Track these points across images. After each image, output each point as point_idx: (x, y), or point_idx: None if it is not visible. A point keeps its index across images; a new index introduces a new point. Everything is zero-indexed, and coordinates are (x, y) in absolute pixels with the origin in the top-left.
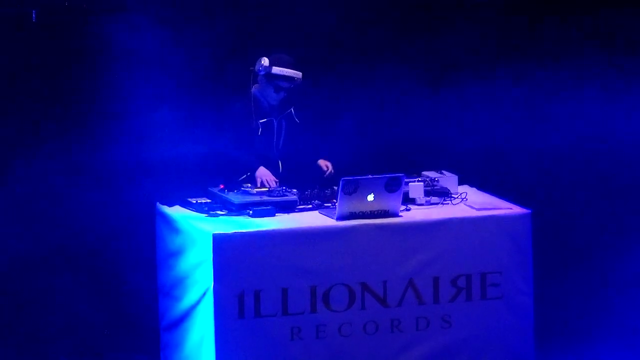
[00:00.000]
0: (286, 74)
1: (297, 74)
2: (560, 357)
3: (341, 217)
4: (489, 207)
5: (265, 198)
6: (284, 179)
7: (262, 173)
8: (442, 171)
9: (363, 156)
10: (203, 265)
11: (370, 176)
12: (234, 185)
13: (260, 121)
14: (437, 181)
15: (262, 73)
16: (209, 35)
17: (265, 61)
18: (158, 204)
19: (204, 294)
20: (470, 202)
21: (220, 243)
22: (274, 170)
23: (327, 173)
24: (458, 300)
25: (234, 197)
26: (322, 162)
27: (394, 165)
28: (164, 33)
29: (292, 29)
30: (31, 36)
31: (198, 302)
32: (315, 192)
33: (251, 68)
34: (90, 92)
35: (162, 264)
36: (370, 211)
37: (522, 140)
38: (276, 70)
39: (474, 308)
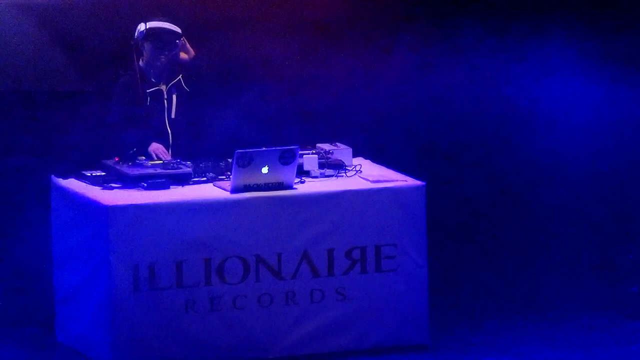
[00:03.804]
0: (163, 27)
1: (174, 27)
2: (454, 328)
3: (235, 190)
4: (383, 179)
5: (159, 171)
6: (176, 149)
7: (155, 147)
8: (336, 143)
9: (257, 128)
10: (98, 238)
11: (264, 148)
12: (128, 158)
13: (148, 91)
14: (332, 153)
15: (141, 36)
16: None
17: (141, 25)
18: (53, 176)
19: (99, 266)
20: (365, 175)
21: (115, 215)
22: (165, 140)
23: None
24: (353, 272)
25: (129, 170)
26: (157, 148)
27: (287, 137)
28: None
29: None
30: None
31: (93, 275)
32: (210, 165)
33: (132, 42)
34: None
35: (58, 237)
36: (265, 183)
37: (414, 111)
38: (152, 24)
39: (368, 280)
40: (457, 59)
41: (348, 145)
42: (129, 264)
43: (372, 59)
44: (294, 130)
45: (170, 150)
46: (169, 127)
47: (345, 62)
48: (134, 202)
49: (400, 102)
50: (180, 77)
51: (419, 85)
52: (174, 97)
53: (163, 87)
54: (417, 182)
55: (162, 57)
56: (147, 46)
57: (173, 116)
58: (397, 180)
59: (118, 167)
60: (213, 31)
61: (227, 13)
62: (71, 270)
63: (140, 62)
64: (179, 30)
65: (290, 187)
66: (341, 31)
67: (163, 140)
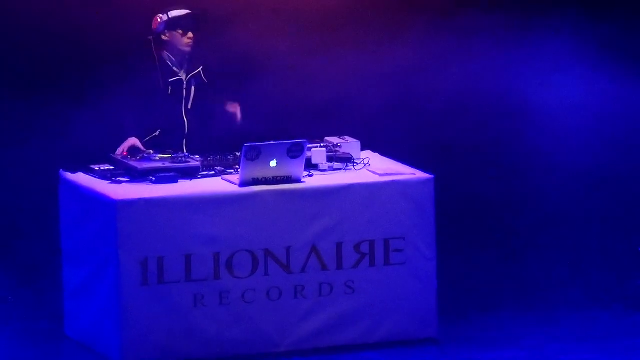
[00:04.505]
0: (186, 13)
1: (189, 11)
2: (463, 322)
3: (244, 184)
4: (391, 172)
5: (167, 165)
6: (190, 140)
7: (127, 142)
8: (345, 137)
9: (265, 122)
10: (106, 232)
11: (272, 142)
12: (136, 152)
13: (170, 80)
14: (340, 147)
15: (162, 28)
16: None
17: (161, 16)
18: (61, 171)
19: (108, 260)
20: (373, 168)
21: (124, 210)
22: (181, 131)
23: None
24: (361, 266)
25: (137, 164)
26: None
27: (296, 130)
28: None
29: None
30: None
31: (102, 269)
32: (218, 158)
33: (150, 37)
34: None
35: (66, 231)
36: (273, 177)
37: (423, 104)
38: (175, 13)
39: (377, 274)
40: (467, 52)
41: (356, 139)
42: (137, 258)
43: (380, 52)
44: (302, 124)
45: (185, 142)
46: (185, 117)
47: (354, 56)
48: (142, 196)
49: (409, 95)
50: (200, 69)
51: (427, 78)
52: (193, 88)
53: (183, 77)
54: (426, 175)
55: (189, 40)
56: (172, 34)
57: (189, 107)
58: (405, 174)
59: (126, 161)
60: (221, 25)
61: (235, 7)
62: (80, 264)
63: (163, 53)
64: (197, 13)
65: (298, 181)
66: (350, 24)
67: (179, 131)
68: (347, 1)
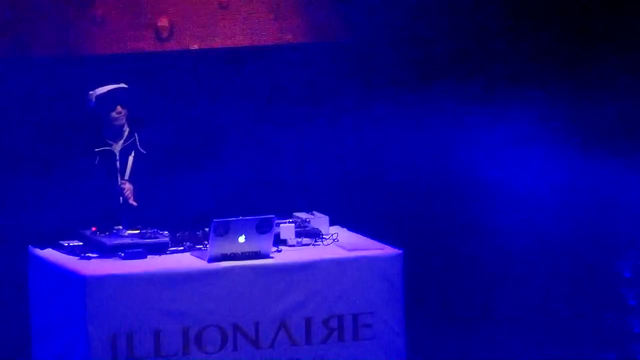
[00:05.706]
0: (110, 89)
1: (119, 85)
2: None
3: (213, 259)
4: (360, 247)
5: (136, 240)
6: (130, 214)
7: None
8: (313, 212)
9: (233, 198)
10: (76, 308)
11: (241, 218)
12: (105, 227)
13: (96, 150)
14: (309, 222)
15: (92, 105)
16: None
17: (91, 93)
18: (30, 247)
19: (78, 336)
20: (341, 243)
21: (93, 286)
22: (115, 203)
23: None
24: (330, 341)
25: (106, 240)
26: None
27: (265, 206)
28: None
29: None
30: None
31: (71, 345)
32: (187, 234)
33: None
34: None
35: (36, 307)
36: (242, 252)
37: (391, 178)
38: (100, 90)
39: (346, 349)
40: (432, 125)
41: (325, 214)
42: (107, 334)
43: (346, 126)
44: (270, 199)
45: (121, 216)
46: (120, 190)
47: (320, 130)
48: (111, 272)
49: (376, 169)
50: (135, 138)
51: (394, 152)
52: (130, 159)
53: (116, 149)
54: (394, 251)
55: (118, 115)
56: (100, 111)
57: (127, 177)
58: (373, 249)
59: (95, 237)
60: (187, 98)
61: (205, 77)
62: (49, 340)
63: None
64: (123, 85)
65: (267, 256)
66: (316, 99)
67: (114, 202)
68: (312, 75)
